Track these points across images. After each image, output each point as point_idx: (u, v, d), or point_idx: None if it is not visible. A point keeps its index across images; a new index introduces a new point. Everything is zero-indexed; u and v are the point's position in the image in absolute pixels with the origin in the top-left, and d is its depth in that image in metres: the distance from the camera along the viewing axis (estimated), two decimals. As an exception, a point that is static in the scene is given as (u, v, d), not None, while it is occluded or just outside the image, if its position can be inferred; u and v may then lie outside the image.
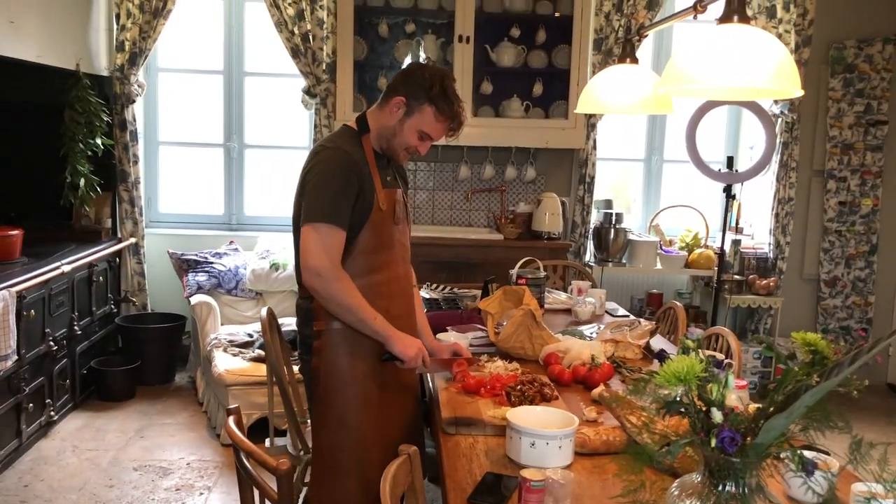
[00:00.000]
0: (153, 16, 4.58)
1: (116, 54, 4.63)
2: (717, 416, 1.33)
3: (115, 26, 4.62)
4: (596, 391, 2.24)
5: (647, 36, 2.81)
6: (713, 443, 1.33)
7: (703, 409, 1.40)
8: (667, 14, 4.85)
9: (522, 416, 1.88)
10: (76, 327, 4.05)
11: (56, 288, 3.81)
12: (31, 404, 3.59)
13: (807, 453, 1.44)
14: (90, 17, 4.52)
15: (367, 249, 2.18)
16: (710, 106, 4.72)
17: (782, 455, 1.37)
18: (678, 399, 1.41)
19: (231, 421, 1.80)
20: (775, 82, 1.72)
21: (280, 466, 1.56)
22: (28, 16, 3.79)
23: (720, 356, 2.44)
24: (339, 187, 2.12)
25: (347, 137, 2.25)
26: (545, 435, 1.77)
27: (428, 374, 2.43)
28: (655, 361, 2.49)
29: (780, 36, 4.78)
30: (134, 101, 4.68)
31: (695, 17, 2.18)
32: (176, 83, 5.13)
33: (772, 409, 1.38)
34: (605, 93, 2.80)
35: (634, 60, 2.79)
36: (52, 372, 3.83)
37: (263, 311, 2.69)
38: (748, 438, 1.36)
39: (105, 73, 4.68)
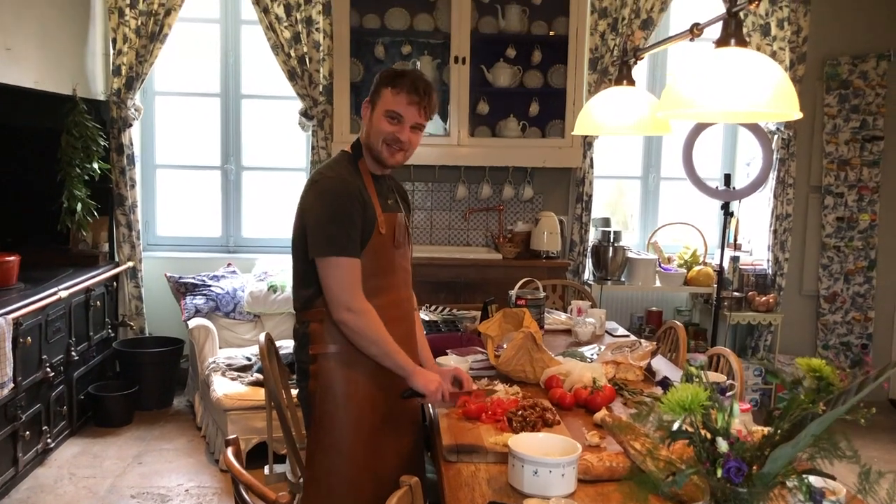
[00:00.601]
0: (149, 40, 4.59)
1: (113, 79, 4.63)
2: (723, 445, 1.32)
3: (111, 51, 4.63)
4: (598, 415, 2.22)
5: (643, 58, 2.82)
6: (719, 473, 1.32)
7: (709, 437, 1.38)
8: (661, 32, 4.89)
9: (524, 443, 1.86)
10: (73, 353, 4.02)
11: (53, 314, 3.79)
12: (27, 432, 3.55)
13: (813, 479, 1.43)
14: (87, 42, 4.53)
15: (367, 274, 2.17)
16: (706, 124, 4.74)
17: (789, 484, 1.35)
18: (682, 428, 1.40)
19: (230, 452, 1.77)
20: (774, 105, 1.72)
21: (280, 500, 1.53)
22: (25, 42, 3.79)
23: (722, 377, 2.43)
24: (346, 216, 2.11)
25: (345, 163, 2.25)
26: (548, 463, 1.75)
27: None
28: (658, 388, 2.48)
29: (774, 53, 4.80)
30: (131, 125, 4.68)
31: (691, 40, 2.18)
32: (173, 106, 5.14)
33: (778, 436, 1.36)
34: (603, 114, 2.80)
35: (631, 82, 2.79)
36: (48, 399, 3.80)
37: (261, 337, 2.67)
38: (754, 467, 1.34)
39: (102, 97, 4.68)
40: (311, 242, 2.14)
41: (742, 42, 1.82)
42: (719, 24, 1.92)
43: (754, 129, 4.81)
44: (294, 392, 2.60)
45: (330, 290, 2.12)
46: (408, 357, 2.16)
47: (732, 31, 1.82)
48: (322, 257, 2.12)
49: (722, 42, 1.83)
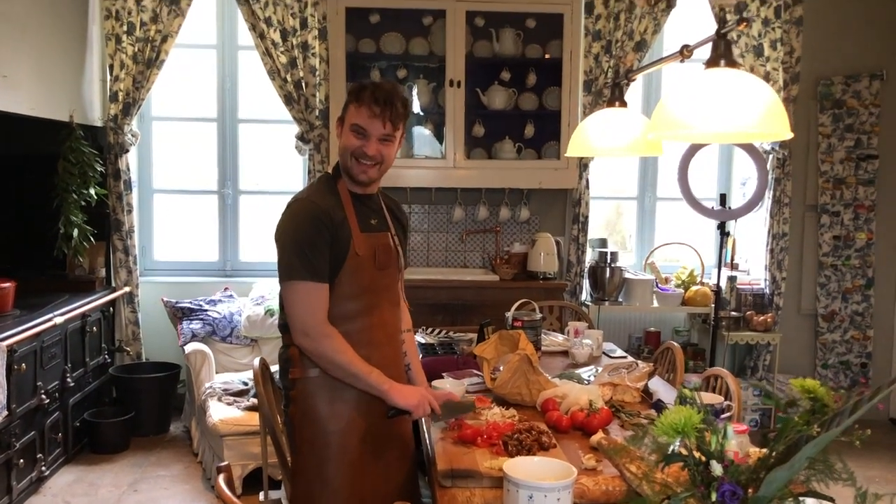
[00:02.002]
0: (146, 66, 4.62)
1: (110, 104, 4.65)
2: (717, 468, 1.30)
3: (108, 77, 4.66)
4: (594, 438, 2.21)
5: (634, 79, 2.83)
6: (714, 496, 1.30)
7: (703, 460, 1.37)
8: (655, 54, 4.92)
9: (520, 467, 1.85)
10: (69, 379, 4.00)
11: (48, 340, 3.78)
12: (21, 460, 3.52)
13: (809, 502, 1.41)
14: (84, 68, 4.56)
15: (345, 296, 2.14)
16: (700, 144, 4.75)
17: (785, 507, 1.34)
18: (676, 451, 1.38)
19: (221, 479, 1.76)
20: (765, 126, 1.72)
21: (272, 527, 1.52)
22: (21, 69, 3.81)
23: (719, 399, 2.41)
24: (310, 240, 2.09)
25: (321, 185, 2.24)
26: (543, 487, 1.73)
27: (423, 423, 2.39)
28: (653, 410, 2.46)
29: (768, 74, 4.83)
30: (128, 151, 4.70)
31: (682, 61, 2.19)
32: (170, 131, 5.16)
33: (773, 459, 1.35)
34: (595, 136, 2.81)
35: (623, 104, 2.81)
36: (43, 426, 3.77)
37: (256, 362, 2.66)
38: (750, 490, 1.33)
39: (99, 123, 4.70)
40: (277, 267, 2.15)
41: (732, 63, 1.83)
42: (710, 46, 1.94)
43: (749, 148, 4.82)
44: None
45: (290, 316, 2.12)
46: (382, 376, 2.11)
47: (722, 52, 1.83)
48: (283, 282, 2.12)
49: (711, 63, 1.84)
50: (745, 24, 1.90)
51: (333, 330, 2.10)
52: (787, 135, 1.79)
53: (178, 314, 4.59)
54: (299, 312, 2.09)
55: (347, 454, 2.16)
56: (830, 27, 5.02)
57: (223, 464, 1.84)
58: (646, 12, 4.71)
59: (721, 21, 1.87)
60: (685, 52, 2.15)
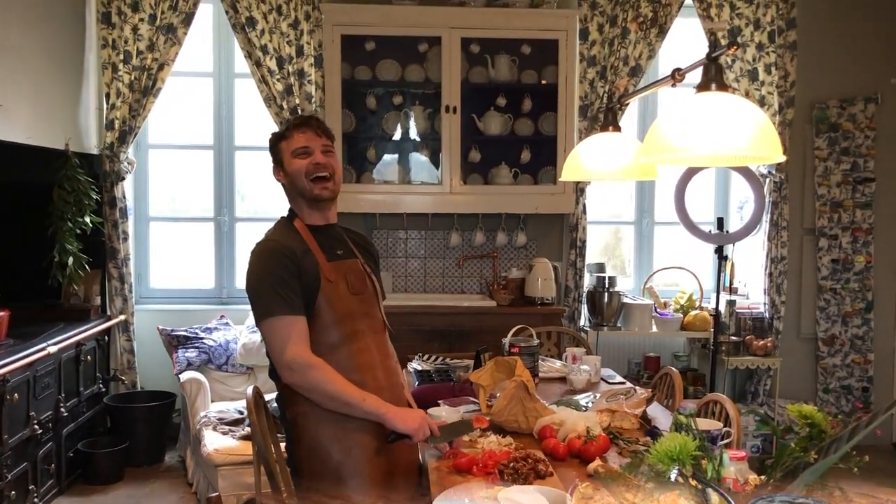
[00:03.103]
0: (143, 94, 4.63)
1: (106, 133, 4.66)
2: (714, 498, 1.28)
3: (104, 105, 4.67)
4: (591, 466, 2.17)
5: (628, 104, 2.83)
6: (711, 525, 1.28)
7: (699, 487, 1.34)
8: (650, 79, 4.94)
9: (515, 496, 1.82)
10: (62, 409, 3.95)
11: (42, 369, 3.74)
12: (13, 492, 3.46)
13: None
14: (80, 97, 4.57)
15: (325, 325, 2.15)
16: (697, 168, 4.75)
17: (784, 536, 1.31)
18: (673, 478, 1.36)
19: (211, 511, 1.72)
20: (756, 149, 1.71)
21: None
22: (17, 98, 3.82)
23: (717, 425, 2.38)
24: (278, 276, 2.11)
25: (280, 227, 2.29)
26: (538, 517, 1.70)
27: (420, 449, 2.36)
28: (649, 437, 2.43)
29: (763, 98, 4.85)
30: (123, 179, 4.69)
31: (673, 85, 2.19)
32: (166, 159, 5.17)
33: (770, 486, 1.32)
34: (589, 160, 2.81)
35: (617, 128, 2.81)
36: (36, 457, 3.72)
37: (249, 390, 2.63)
38: (747, 519, 1.30)
39: (95, 151, 4.70)
40: (253, 313, 2.16)
41: (722, 87, 1.82)
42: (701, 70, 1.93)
43: (745, 172, 4.82)
44: (283, 446, 2.55)
45: (272, 354, 2.12)
46: (379, 400, 2.10)
47: (712, 76, 1.83)
48: (261, 322, 2.12)
49: (702, 87, 1.84)
50: (735, 48, 1.90)
51: (319, 360, 2.08)
52: (779, 157, 1.78)
53: (174, 342, 4.56)
54: (280, 348, 2.08)
55: (363, 483, 2.13)
56: (824, 51, 5.05)
57: (213, 494, 1.81)
58: (639, 38, 4.74)
59: (712, 45, 1.87)
60: (677, 76, 2.15)
